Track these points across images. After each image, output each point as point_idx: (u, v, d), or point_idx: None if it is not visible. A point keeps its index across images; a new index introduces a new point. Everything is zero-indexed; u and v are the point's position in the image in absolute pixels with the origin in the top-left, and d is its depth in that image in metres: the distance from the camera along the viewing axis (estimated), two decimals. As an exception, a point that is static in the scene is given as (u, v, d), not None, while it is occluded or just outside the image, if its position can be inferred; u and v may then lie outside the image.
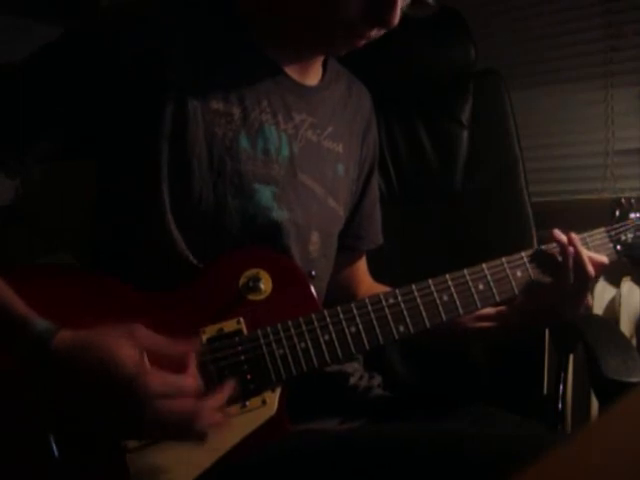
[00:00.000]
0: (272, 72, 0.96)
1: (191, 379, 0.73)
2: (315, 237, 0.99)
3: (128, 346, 0.71)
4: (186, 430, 0.72)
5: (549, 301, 0.98)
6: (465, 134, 1.50)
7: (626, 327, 1.63)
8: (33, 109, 0.86)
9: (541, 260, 0.98)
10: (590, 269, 0.95)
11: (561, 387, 1.30)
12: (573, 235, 0.97)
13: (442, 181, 1.49)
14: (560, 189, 1.87)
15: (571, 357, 1.38)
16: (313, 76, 1.03)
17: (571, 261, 0.95)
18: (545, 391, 1.42)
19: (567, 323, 1.25)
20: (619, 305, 1.63)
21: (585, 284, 0.97)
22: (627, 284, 1.65)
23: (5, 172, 0.89)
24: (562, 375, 1.30)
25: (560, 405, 1.29)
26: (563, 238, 0.97)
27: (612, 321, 1.60)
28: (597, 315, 1.56)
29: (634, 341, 1.62)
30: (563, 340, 1.33)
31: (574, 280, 0.95)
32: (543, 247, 0.99)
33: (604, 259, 0.99)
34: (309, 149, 0.99)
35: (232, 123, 0.91)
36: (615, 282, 1.64)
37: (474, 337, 1.05)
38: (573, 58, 1.87)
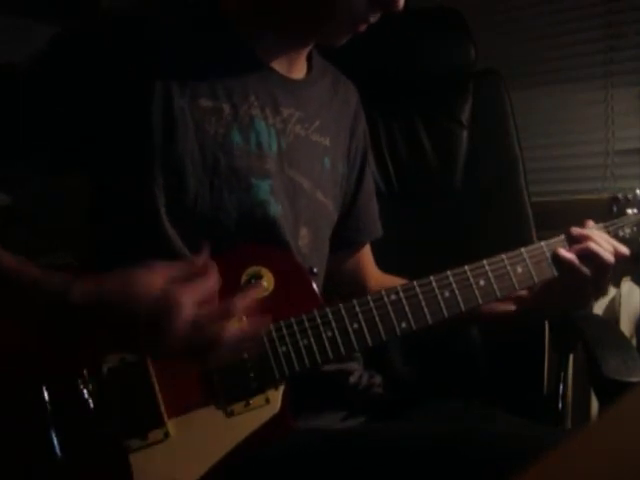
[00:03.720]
0: (258, 66, 0.96)
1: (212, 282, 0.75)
2: (304, 232, 0.99)
3: (150, 269, 0.74)
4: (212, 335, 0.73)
5: (560, 296, 1.00)
6: (465, 134, 1.50)
7: (626, 327, 1.63)
8: (31, 112, 0.86)
9: (541, 257, 0.99)
10: (608, 257, 0.98)
11: (561, 387, 1.30)
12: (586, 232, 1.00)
13: (442, 181, 1.49)
14: (560, 189, 1.87)
15: (571, 357, 1.38)
16: (299, 70, 1.03)
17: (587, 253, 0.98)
18: (545, 391, 1.42)
19: (567, 323, 1.25)
20: (619, 305, 1.63)
21: (605, 271, 0.99)
22: (627, 284, 1.65)
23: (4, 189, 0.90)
24: (562, 375, 1.30)
25: (560, 405, 1.29)
26: (583, 232, 1.00)
27: (612, 321, 1.60)
28: (597, 315, 1.56)
29: (634, 341, 1.62)
30: (563, 340, 1.33)
31: (594, 270, 0.98)
32: (543, 243, 0.99)
33: (625, 250, 1.01)
34: (298, 143, 0.99)
35: (223, 119, 0.91)
36: (615, 282, 1.64)
37: (491, 320, 1.06)
38: (573, 58, 1.87)
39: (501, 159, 1.48)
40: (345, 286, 1.08)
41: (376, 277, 1.19)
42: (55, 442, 0.76)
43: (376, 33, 1.49)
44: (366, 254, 1.20)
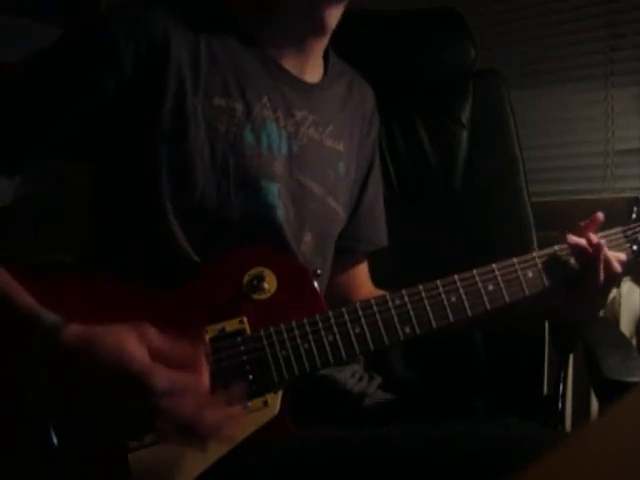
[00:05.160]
0: (271, 67, 0.96)
1: (199, 378, 0.72)
2: (308, 237, 0.98)
3: (135, 342, 0.71)
4: (189, 430, 0.71)
5: (561, 302, 0.97)
6: (465, 134, 1.50)
7: (626, 327, 1.63)
8: (34, 110, 0.86)
9: (554, 261, 0.96)
10: (616, 266, 0.94)
11: (561, 387, 1.30)
12: (594, 238, 0.95)
13: (442, 181, 1.49)
14: (560, 189, 1.87)
15: (571, 357, 1.38)
16: (314, 72, 1.02)
17: (594, 262, 0.94)
18: (545, 391, 1.42)
19: (567, 323, 1.25)
20: (619, 305, 1.63)
21: (610, 283, 0.96)
22: (627, 284, 1.65)
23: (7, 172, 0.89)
24: (562, 375, 1.30)
25: (560, 405, 1.29)
26: (580, 241, 0.95)
27: (612, 321, 1.60)
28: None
29: (634, 341, 1.62)
30: (563, 340, 1.33)
31: (602, 279, 0.94)
32: (556, 247, 0.97)
33: (622, 256, 0.98)
34: (310, 147, 0.98)
35: (235, 118, 0.90)
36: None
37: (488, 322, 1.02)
38: (573, 58, 1.86)
39: (501, 159, 1.48)
40: (330, 296, 1.06)
41: (367, 291, 1.15)
42: (54, 440, 0.76)
43: (376, 33, 1.50)
44: (361, 266, 1.16)
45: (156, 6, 0.90)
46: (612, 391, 1.00)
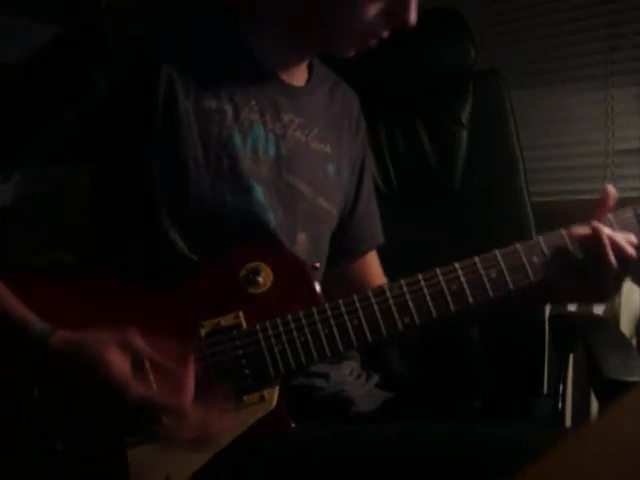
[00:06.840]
0: (260, 71, 0.96)
1: (178, 396, 0.74)
2: (302, 237, 0.99)
3: (116, 351, 0.74)
4: (166, 441, 0.75)
5: (572, 284, 0.94)
6: (465, 134, 1.50)
7: (626, 327, 1.63)
8: (31, 110, 0.87)
9: (561, 245, 0.92)
10: (627, 249, 0.90)
11: (561, 387, 1.30)
12: (597, 225, 0.91)
13: (442, 181, 1.49)
14: (560, 189, 1.87)
15: (571, 357, 1.38)
16: (300, 77, 1.03)
17: (598, 245, 0.90)
18: (545, 391, 1.42)
19: (567, 323, 1.25)
20: (619, 305, 1.63)
21: (624, 266, 0.91)
22: (627, 284, 1.65)
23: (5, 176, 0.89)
24: (562, 375, 1.30)
25: (560, 405, 1.29)
26: (584, 231, 0.92)
27: (612, 321, 1.60)
28: (597, 315, 1.56)
29: (634, 341, 1.62)
30: (563, 340, 1.33)
31: (614, 262, 0.89)
32: (562, 230, 0.94)
33: (632, 238, 0.93)
34: (298, 149, 0.99)
35: (226, 120, 0.91)
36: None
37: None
38: (573, 58, 1.86)
39: (501, 159, 1.48)
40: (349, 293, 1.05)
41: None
42: (53, 436, 0.76)
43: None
44: (370, 263, 1.16)
45: (151, 8, 0.91)
46: (612, 391, 1.00)
